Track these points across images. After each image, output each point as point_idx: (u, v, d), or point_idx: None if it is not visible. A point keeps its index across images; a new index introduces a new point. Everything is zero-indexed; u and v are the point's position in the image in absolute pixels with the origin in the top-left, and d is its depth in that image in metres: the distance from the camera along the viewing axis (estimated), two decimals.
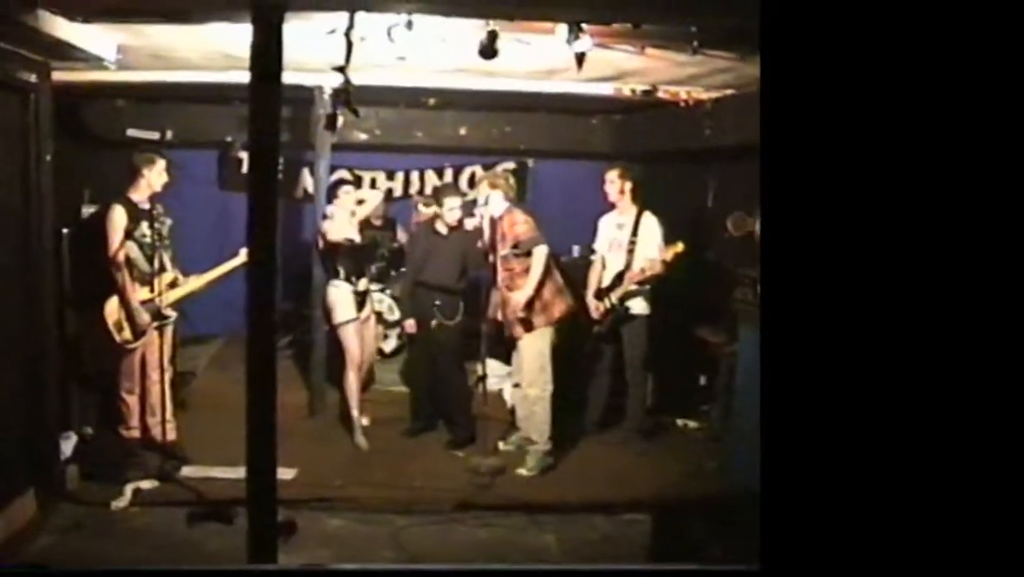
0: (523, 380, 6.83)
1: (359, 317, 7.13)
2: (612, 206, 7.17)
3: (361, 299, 7.13)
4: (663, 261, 6.73)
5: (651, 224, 6.96)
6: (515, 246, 6.60)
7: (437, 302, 7.15)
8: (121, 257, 6.15)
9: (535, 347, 6.71)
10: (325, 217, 7.15)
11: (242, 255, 6.37)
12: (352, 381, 7.18)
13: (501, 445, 7.02)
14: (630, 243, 6.91)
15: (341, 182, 7.34)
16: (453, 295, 7.19)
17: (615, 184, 7.06)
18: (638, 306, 7.02)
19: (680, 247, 6.61)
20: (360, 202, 7.35)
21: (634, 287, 6.91)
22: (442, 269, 7.19)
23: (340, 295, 7.06)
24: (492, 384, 7.67)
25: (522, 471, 6.61)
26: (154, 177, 6.23)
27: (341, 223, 7.07)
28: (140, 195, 6.25)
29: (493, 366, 7.87)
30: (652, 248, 6.88)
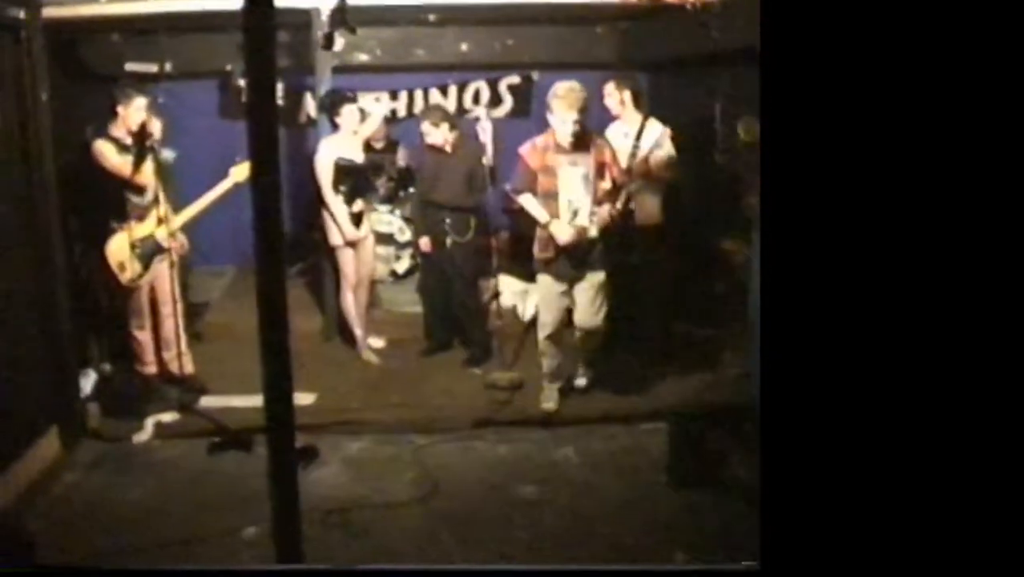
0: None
1: (356, 238, 7.15)
2: (616, 118, 7.09)
3: (357, 220, 7.11)
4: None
5: (656, 129, 6.88)
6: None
7: (448, 220, 7.11)
8: (130, 173, 6.08)
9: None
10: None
11: (232, 175, 6.31)
12: (350, 301, 7.27)
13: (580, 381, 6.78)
14: (633, 148, 6.83)
15: (342, 99, 7.21)
16: (463, 212, 7.15)
17: (614, 96, 6.99)
18: (649, 214, 6.95)
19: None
20: (362, 120, 7.29)
21: (635, 185, 6.84)
22: (450, 187, 7.14)
23: (338, 215, 7.05)
24: (506, 300, 7.67)
25: (549, 405, 6.44)
26: (131, 114, 6.08)
27: (341, 142, 7.06)
28: (120, 131, 6.15)
29: (507, 282, 7.85)
30: (657, 152, 6.82)
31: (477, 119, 7.06)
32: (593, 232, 5.99)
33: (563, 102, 5.80)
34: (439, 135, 7.07)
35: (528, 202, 6.03)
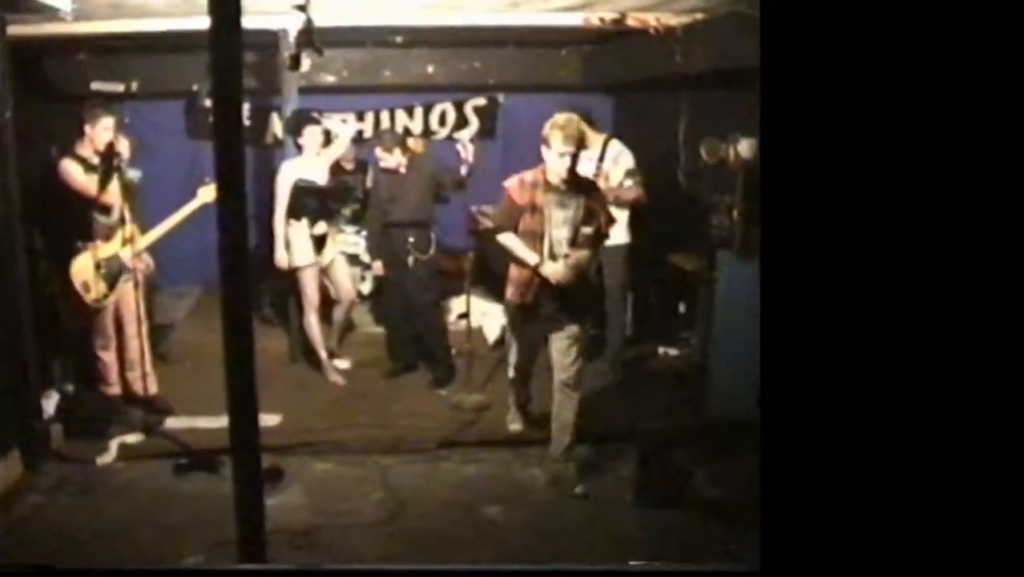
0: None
1: (318, 261, 7.17)
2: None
3: (320, 242, 7.13)
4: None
5: (617, 149, 6.97)
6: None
7: (411, 239, 7.12)
8: (97, 192, 6.04)
9: None
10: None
11: (200, 196, 6.32)
12: (313, 323, 7.28)
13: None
14: (596, 168, 6.90)
15: (306, 120, 7.23)
16: (424, 228, 7.19)
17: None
18: (614, 234, 7.01)
19: None
20: (327, 143, 7.31)
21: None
22: (409, 205, 7.17)
23: (297, 238, 7.07)
24: (473, 321, 7.69)
25: (515, 426, 6.41)
26: (99, 133, 6.05)
27: (303, 163, 7.10)
28: (87, 151, 6.13)
29: (473, 303, 7.88)
30: (619, 172, 6.91)
31: (455, 140, 7.15)
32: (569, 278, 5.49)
33: (561, 133, 5.30)
34: (392, 159, 7.11)
35: (510, 241, 5.59)
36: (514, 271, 5.72)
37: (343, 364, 7.54)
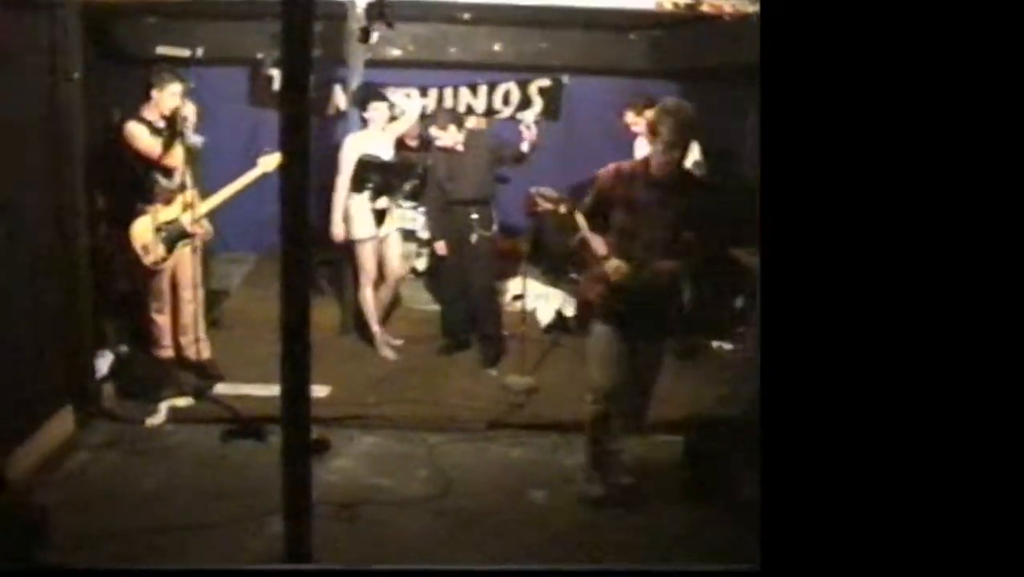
0: None
1: (377, 235, 7.18)
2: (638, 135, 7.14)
3: (380, 216, 7.15)
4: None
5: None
6: None
7: (474, 216, 7.10)
8: (160, 154, 6.11)
9: None
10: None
11: (261, 164, 6.35)
12: (368, 297, 7.28)
13: None
14: None
15: (373, 95, 7.24)
16: (486, 205, 7.17)
17: (638, 124, 7.03)
18: None
19: None
20: (393, 118, 7.30)
21: None
22: (469, 182, 7.16)
23: (358, 211, 7.09)
24: (527, 304, 7.66)
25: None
26: (165, 98, 6.10)
27: (368, 138, 7.11)
28: (152, 114, 6.17)
29: (528, 285, 7.85)
30: (687, 164, 6.82)
31: (518, 120, 7.19)
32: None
33: (672, 121, 4.65)
34: (448, 137, 7.10)
35: (588, 232, 5.00)
36: (595, 267, 5.02)
37: (394, 340, 7.53)
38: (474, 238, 7.14)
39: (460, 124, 7.21)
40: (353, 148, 7.07)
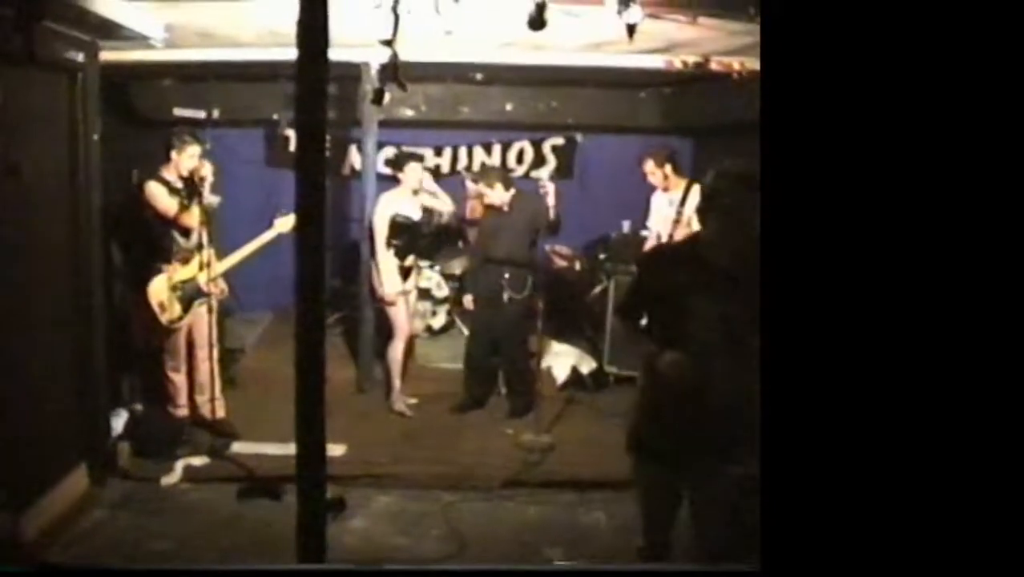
0: None
1: (404, 290, 7.29)
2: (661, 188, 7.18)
3: (406, 273, 7.24)
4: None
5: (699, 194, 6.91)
6: None
7: (507, 276, 7.14)
8: (177, 213, 6.20)
9: None
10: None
11: (277, 225, 6.44)
12: (398, 352, 7.34)
13: None
14: (677, 213, 6.86)
15: (409, 157, 7.42)
16: (520, 267, 7.16)
17: (656, 175, 7.14)
18: None
19: None
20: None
21: None
22: (509, 243, 7.19)
23: (387, 268, 7.15)
24: (544, 361, 7.67)
25: None
26: (184, 160, 6.22)
27: (400, 198, 7.22)
28: (171, 175, 6.26)
29: (546, 343, 7.87)
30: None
31: (538, 179, 7.37)
32: None
33: (736, 189, 3.67)
34: (496, 196, 7.17)
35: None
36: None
37: (409, 399, 7.52)
38: (506, 297, 7.17)
39: (507, 184, 7.28)
40: (386, 209, 7.19)
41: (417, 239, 7.31)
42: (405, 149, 7.60)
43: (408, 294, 7.40)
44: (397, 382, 7.38)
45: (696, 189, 6.82)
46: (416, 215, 7.31)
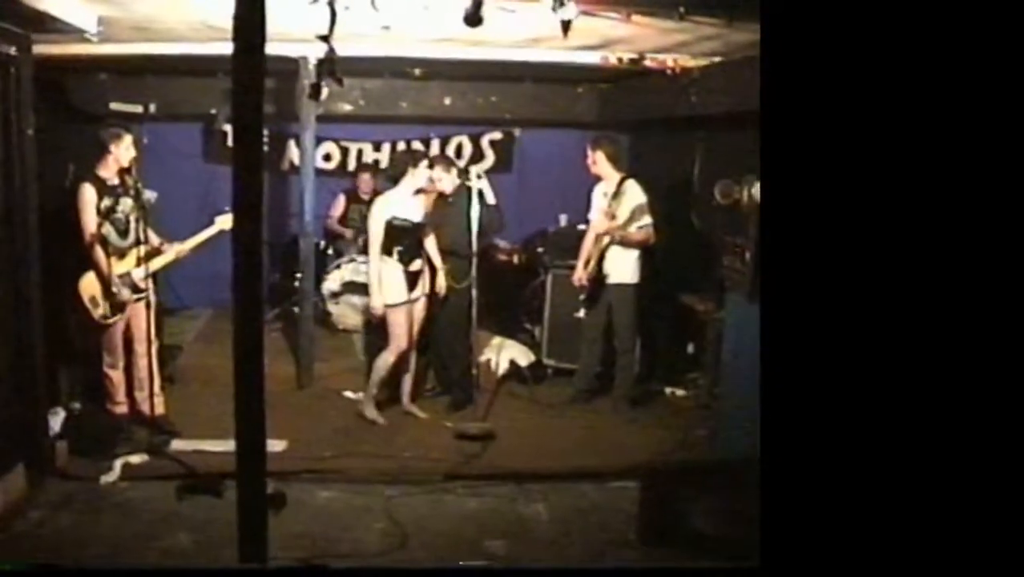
0: None
1: (409, 299, 6.96)
2: (599, 178, 7.22)
3: (413, 280, 6.95)
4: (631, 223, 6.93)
5: (629, 188, 6.99)
6: None
7: (447, 266, 7.17)
8: (93, 233, 6.12)
9: None
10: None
11: (218, 223, 6.37)
12: (387, 363, 7.01)
13: None
14: (609, 207, 6.94)
15: (414, 155, 7.29)
16: (463, 258, 7.13)
17: (588, 156, 7.14)
18: (624, 273, 7.07)
19: None
20: (431, 180, 7.21)
21: (611, 244, 6.99)
22: (451, 233, 7.20)
23: (392, 275, 6.87)
24: (483, 354, 7.71)
25: None
26: (121, 152, 6.15)
27: (398, 200, 6.93)
28: (108, 171, 6.20)
29: (485, 336, 7.91)
30: (628, 211, 6.94)
31: (468, 173, 7.20)
32: None
33: None
34: (448, 183, 7.20)
35: None
36: None
37: (354, 395, 7.46)
38: (444, 287, 7.22)
39: (458, 172, 7.36)
40: (383, 211, 6.86)
41: (419, 241, 7.04)
42: (413, 146, 7.54)
43: (415, 303, 7.04)
44: (373, 390, 7.10)
45: (628, 185, 6.92)
46: (418, 216, 6.97)
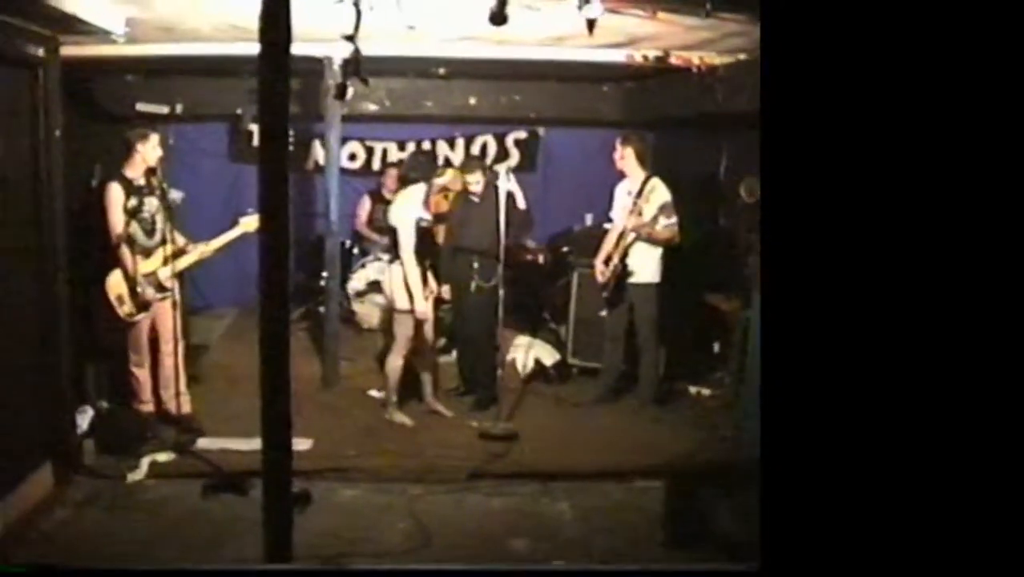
0: None
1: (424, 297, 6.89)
2: (623, 175, 7.20)
3: (426, 280, 6.89)
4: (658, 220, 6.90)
5: (656, 187, 6.97)
6: None
7: (475, 264, 7.18)
8: (120, 233, 6.16)
9: None
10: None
11: (242, 224, 6.39)
12: (397, 366, 6.99)
13: None
14: (633, 204, 6.93)
15: (435, 160, 7.32)
16: (490, 258, 7.12)
17: (617, 151, 7.12)
18: (647, 272, 7.05)
19: None
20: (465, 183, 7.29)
21: (635, 242, 6.97)
22: (479, 232, 7.21)
23: (416, 279, 6.76)
24: (508, 353, 7.71)
25: None
26: (148, 152, 6.20)
27: (423, 200, 6.87)
28: (135, 171, 6.24)
29: (510, 335, 7.90)
30: (654, 209, 6.91)
31: (497, 174, 7.15)
32: None
33: None
34: (477, 184, 7.23)
35: None
36: None
37: (378, 393, 7.47)
38: (473, 287, 7.22)
39: (485, 172, 7.39)
40: (409, 212, 6.75)
41: (434, 244, 7.05)
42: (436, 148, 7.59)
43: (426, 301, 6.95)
44: (393, 396, 7.08)
45: (654, 183, 6.90)
46: (432, 216, 6.95)
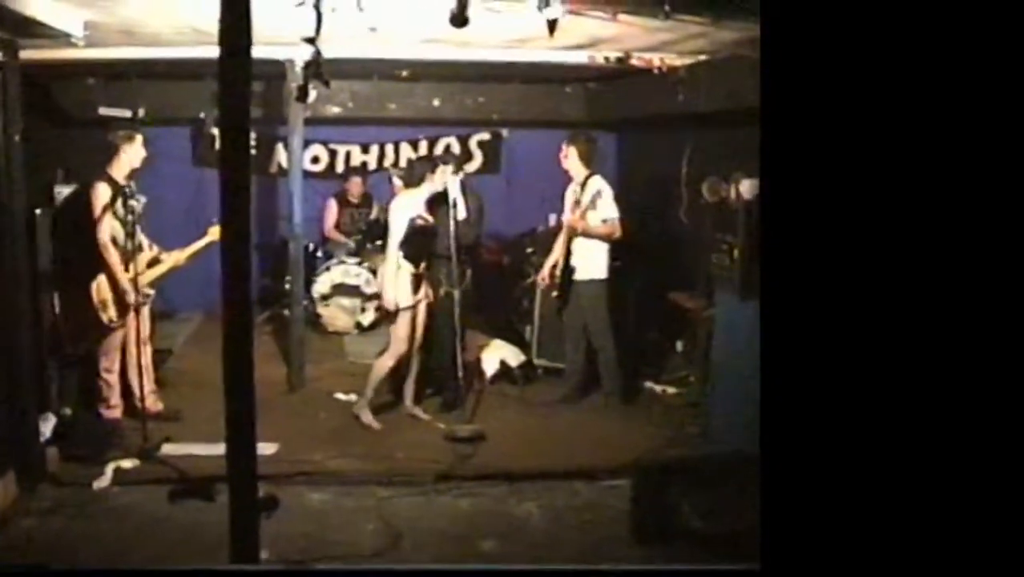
0: None
1: (415, 301, 6.93)
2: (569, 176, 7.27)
3: (418, 283, 6.91)
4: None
5: (594, 184, 7.00)
6: None
7: (445, 270, 7.12)
8: (108, 235, 6.13)
9: None
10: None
11: (210, 234, 6.42)
12: (385, 366, 7.00)
13: None
14: (574, 204, 6.98)
15: (432, 161, 7.26)
16: (450, 261, 7.06)
17: (562, 151, 7.18)
18: (591, 269, 7.08)
19: None
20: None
21: (576, 239, 7.07)
22: (442, 236, 7.11)
23: (404, 277, 6.82)
24: (470, 354, 7.71)
25: None
26: (133, 153, 6.22)
27: (414, 201, 6.90)
28: (119, 172, 6.24)
29: (471, 336, 7.91)
30: (593, 205, 6.94)
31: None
32: None
33: None
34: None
35: None
36: None
37: (345, 397, 7.45)
38: (442, 292, 7.18)
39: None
40: (406, 210, 6.82)
41: (430, 243, 7.01)
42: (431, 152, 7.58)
43: (418, 305, 6.99)
44: (370, 394, 7.03)
45: (594, 178, 6.96)
46: (431, 219, 6.96)
